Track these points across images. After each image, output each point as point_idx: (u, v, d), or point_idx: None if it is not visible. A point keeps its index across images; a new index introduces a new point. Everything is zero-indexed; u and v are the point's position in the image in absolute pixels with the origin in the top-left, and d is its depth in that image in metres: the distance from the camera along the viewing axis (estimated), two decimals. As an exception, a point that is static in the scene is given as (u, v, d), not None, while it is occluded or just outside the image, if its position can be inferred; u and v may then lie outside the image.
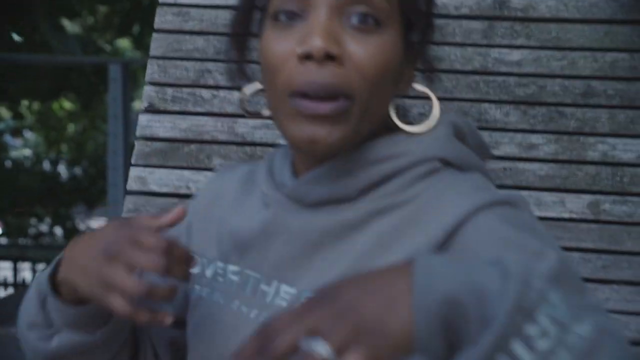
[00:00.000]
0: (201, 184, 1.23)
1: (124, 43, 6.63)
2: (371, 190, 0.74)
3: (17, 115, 6.35)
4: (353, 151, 0.74)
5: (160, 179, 1.25)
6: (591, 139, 1.20)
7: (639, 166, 1.18)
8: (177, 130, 1.26)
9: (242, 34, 0.77)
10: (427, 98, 0.76)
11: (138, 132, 1.27)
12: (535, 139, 1.21)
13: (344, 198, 0.74)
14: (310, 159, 0.76)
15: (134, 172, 1.25)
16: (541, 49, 1.23)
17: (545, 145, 1.21)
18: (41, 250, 6.17)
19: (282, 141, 0.80)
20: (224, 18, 1.29)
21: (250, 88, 0.79)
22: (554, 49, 1.23)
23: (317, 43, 0.67)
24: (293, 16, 0.70)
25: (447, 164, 0.75)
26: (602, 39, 1.22)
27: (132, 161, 1.25)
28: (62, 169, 7.03)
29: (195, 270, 0.77)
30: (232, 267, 0.80)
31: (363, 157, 0.74)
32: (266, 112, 0.79)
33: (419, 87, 0.78)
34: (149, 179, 1.25)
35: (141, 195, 1.24)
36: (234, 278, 0.79)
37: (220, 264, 0.81)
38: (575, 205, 1.18)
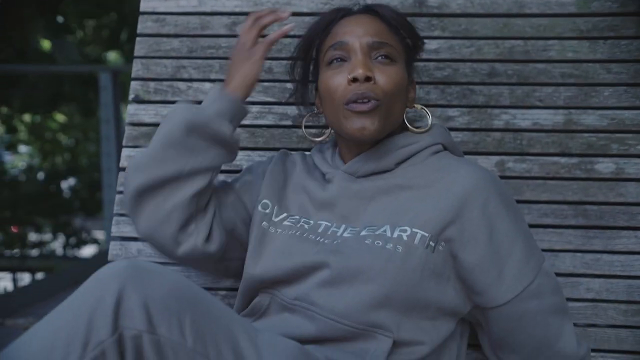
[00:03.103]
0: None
1: (113, 56, 6.88)
2: (401, 164, 1.19)
3: (11, 130, 6.57)
4: (384, 142, 1.19)
5: (146, 156, 1.51)
6: (496, 111, 1.47)
7: (535, 132, 1.45)
8: (159, 117, 1.53)
9: (303, 80, 1.28)
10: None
11: (127, 120, 1.54)
12: (451, 112, 1.48)
13: (384, 170, 1.19)
14: (355, 147, 1.20)
15: (125, 152, 1.52)
16: (453, 39, 1.51)
17: (460, 117, 1.48)
18: (41, 260, 6.35)
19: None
20: (194, 22, 1.56)
21: (307, 116, 1.29)
22: (463, 39, 1.50)
23: (360, 71, 1.13)
24: (340, 60, 1.15)
25: (445, 148, 1.22)
26: (502, 29, 1.50)
27: (123, 143, 1.52)
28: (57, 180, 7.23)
29: (265, 210, 1.21)
30: (305, 219, 1.19)
31: (392, 145, 1.19)
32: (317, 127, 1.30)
33: (418, 106, 1.25)
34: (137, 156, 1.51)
35: (131, 171, 1.50)
36: (306, 226, 1.17)
37: (296, 216, 1.20)
38: (486, 164, 1.45)
